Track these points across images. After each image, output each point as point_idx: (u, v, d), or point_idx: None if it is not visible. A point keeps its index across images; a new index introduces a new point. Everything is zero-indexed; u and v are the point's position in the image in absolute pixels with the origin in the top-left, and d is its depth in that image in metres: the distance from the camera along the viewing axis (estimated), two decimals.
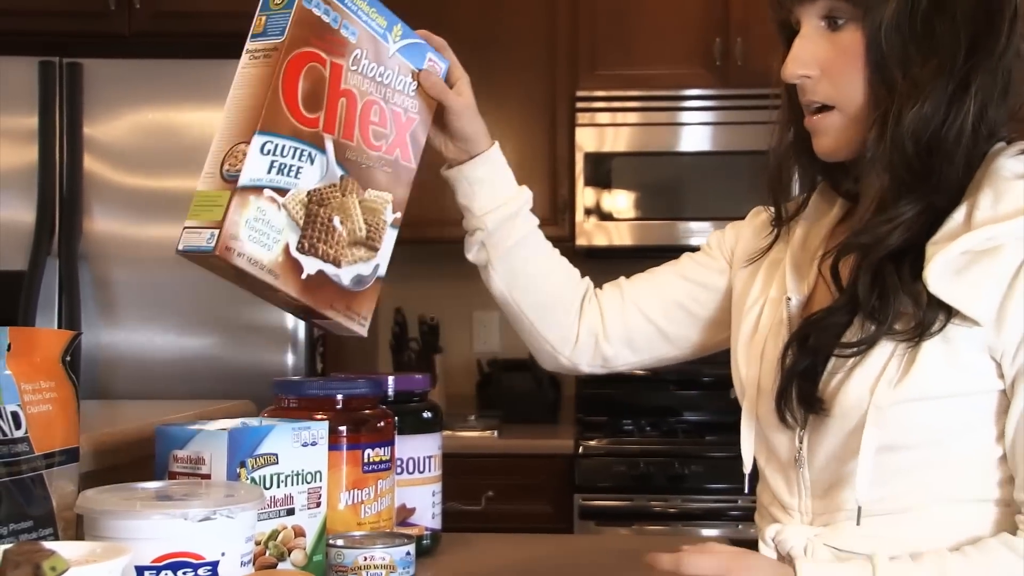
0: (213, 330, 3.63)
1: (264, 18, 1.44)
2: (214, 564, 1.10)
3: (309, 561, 1.44)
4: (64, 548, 0.97)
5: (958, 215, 1.36)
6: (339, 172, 1.46)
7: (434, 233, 4.23)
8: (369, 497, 1.63)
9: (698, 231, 4.03)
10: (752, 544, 1.50)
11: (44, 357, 1.23)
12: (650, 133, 4.14)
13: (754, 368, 1.55)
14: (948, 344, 1.33)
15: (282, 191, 1.39)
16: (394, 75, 1.55)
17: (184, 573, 1.09)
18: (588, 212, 4.11)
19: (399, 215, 1.57)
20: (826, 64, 1.42)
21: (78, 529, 1.18)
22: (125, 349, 3.63)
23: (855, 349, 1.38)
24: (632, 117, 4.14)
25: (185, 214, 1.41)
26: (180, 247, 1.44)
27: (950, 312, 1.33)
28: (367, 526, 1.62)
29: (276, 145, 1.38)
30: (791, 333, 1.48)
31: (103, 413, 2.19)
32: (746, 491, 1.60)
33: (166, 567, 1.09)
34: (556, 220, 4.10)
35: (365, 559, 1.47)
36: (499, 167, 1.72)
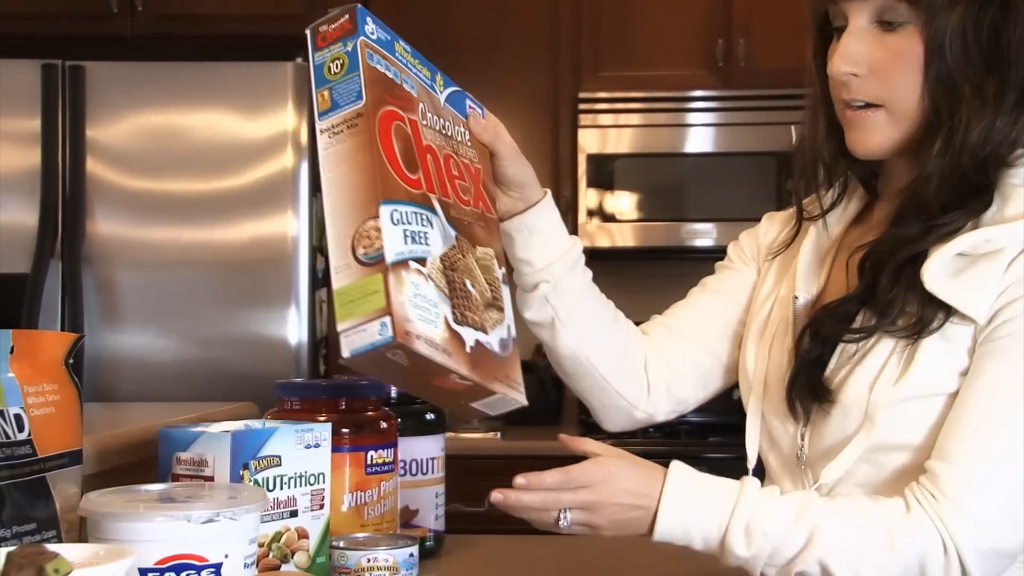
0: (216, 332, 3.63)
1: (327, 92, 1.31)
2: (217, 566, 1.10)
3: (312, 563, 1.44)
4: (67, 550, 0.97)
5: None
6: (452, 232, 1.35)
7: None
8: (372, 499, 1.63)
9: (701, 232, 4.04)
10: None
11: (47, 360, 1.23)
12: (652, 134, 4.14)
13: (761, 364, 1.56)
14: (947, 343, 1.35)
15: (422, 260, 1.27)
16: (451, 125, 1.44)
17: (187, 575, 1.09)
18: (591, 214, 4.11)
19: (504, 270, 1.45)
20: (876, 64, 1.40)
21: (81, 531, 1.18)
22: (128, 352, 3.63)
23: (860, 335, 1.39)
24: (635, 119, 4.14)
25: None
26: (347, 353, 1.24)
27: (949, 311, 1.34)
28: (370, 528, 1.62)
29: (401, 213, 1.26)
30: (804, 324, 1.48)
31: (106, 415, 2.19)
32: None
33: (169, 569, 1.08)
34: None
35: (368, 561, 1.47)
36: (555, 214, 1.60)
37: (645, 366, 1.67)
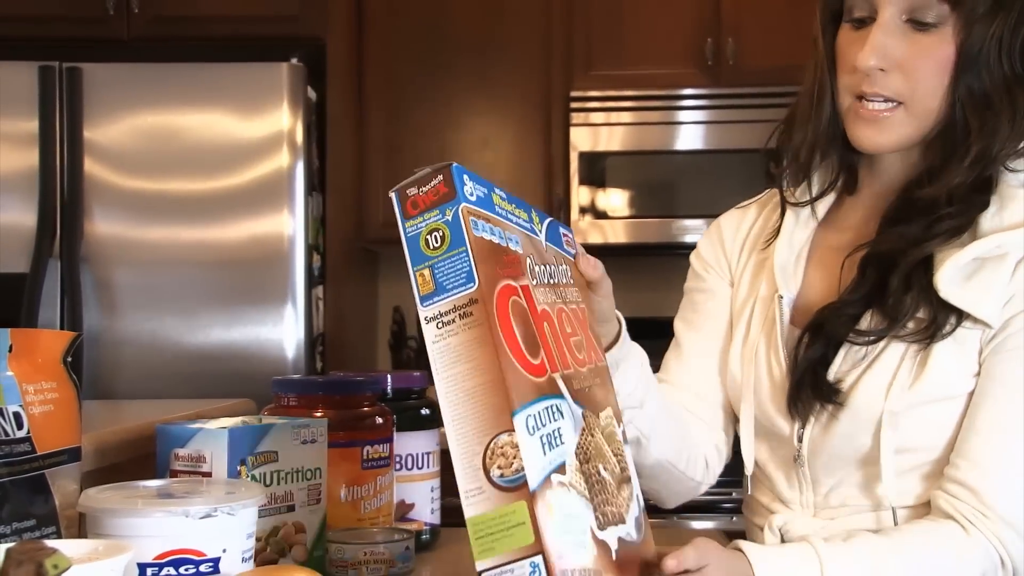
0: (213, 330, 3.63)
1: (428, 271, 1.09)
2: (215, 560, 1.10)
3: (310, 557, 1.44)
4: (66, 546, 0.97)
5: None
6: (579, 411, 1.16)
7: None
8: (368, 493, 1.63)
9: (691, 228, 4.04)
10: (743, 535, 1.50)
11: (46, 358, 1.22)
12: (643, 132, 4.14)
13: (749, 368, 1.53)
14: (960, 346, 1.34)
15: (561, 468, 1.08)
16: (556, 269, 1.26)
17: (186, 570, 1.09)
18: (583, 211, 4.12)
19: (622, 427, 1.28)
20: (904, 61, 1.37)
21: (81, 527, 1.18)
22: (127, 350, 3.63)
23: (869, 338, 1.37)
24: (626, 117, 4.15)
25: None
26: None
27: (960, 315, 1.33)
28: (366, 522, 1.62)
29: (535, 416, 1.07)
30: (806, 323, 1.45)
31: (105, 413, 2.18)
32: (748, 491, 1.58)
33: (168, 564, 1.08)
34: None
35: (365, 554, 1.47)
36: (628, 338, 1.47)
37: (699, 443, 1.62)
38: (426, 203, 1.10)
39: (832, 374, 1.41)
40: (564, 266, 1.29)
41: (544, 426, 1.07)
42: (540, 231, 1.26)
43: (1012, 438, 1.32)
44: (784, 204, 1.57)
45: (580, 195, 4.13)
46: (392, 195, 1.13)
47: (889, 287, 1.37)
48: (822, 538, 1.31)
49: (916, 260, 1.36)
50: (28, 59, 3.65)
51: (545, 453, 1.06)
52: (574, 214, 4.12)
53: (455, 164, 1.10)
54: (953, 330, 1.33)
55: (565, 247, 1.32)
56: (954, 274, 1.34)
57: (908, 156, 1.45)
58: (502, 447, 1.03)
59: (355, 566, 1.46)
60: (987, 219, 1.36)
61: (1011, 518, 1.30)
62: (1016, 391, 1.32)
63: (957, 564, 1.30)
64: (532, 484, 1.02)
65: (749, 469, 1.53)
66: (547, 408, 1.08)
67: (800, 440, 1.45)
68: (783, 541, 1.46)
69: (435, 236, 1.09)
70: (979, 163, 1.36)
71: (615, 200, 4.15)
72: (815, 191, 1.54)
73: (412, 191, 1.11)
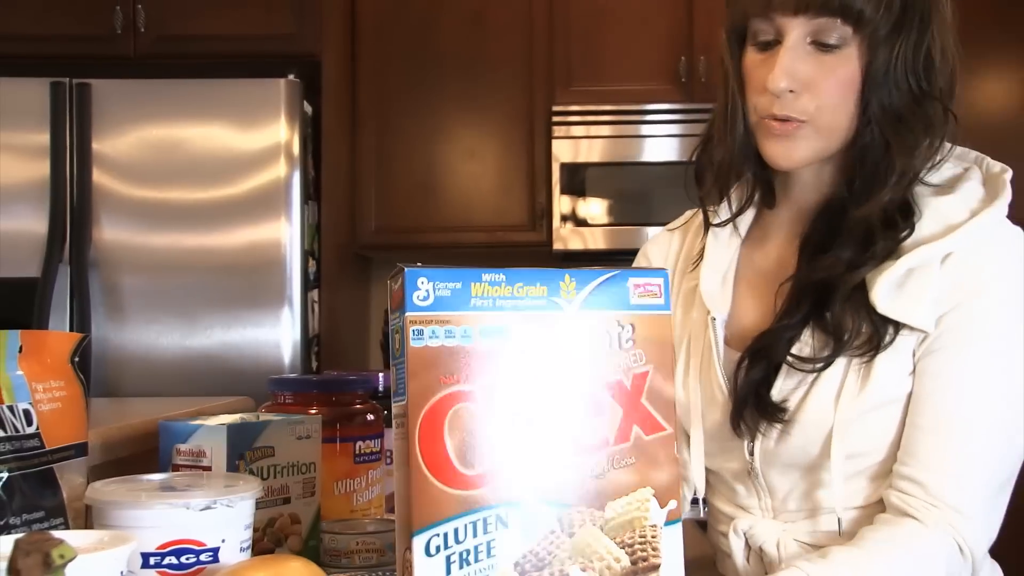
0: (214, 332, 3.63)
1: (395, 369, 1.06)
2: (215, 550, 1.10)
3: (305, 546, 1.44)
4: (73, 537, 0.96)
5: None
6: (551, 513, 1.05)
7: (425, 238, 4.24)
8: (361, 486, 1.62)
9: None
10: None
11: (54, 358, 1.22)
12: (621, 144, 4.15)
13: (695, 394, 1.47)
14: (898, 354, 1.32)
15: None
16: (586, 341, 1.09)
17: (187, 559, 1.08)
18: (564, 218, 4.12)
19: (674, 504, 1.10)
20: (811, 82, 1.33)
21: (87, 519, 1.17)
22: (132, 350, 3.62)
23: (813, 366, 1.34)
24: (605, 130, 4.15)
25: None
26: None
27: (897, 326, 1.31)
28: (359, 513, 1.62)
29: (443, 536, 1.01)
30: (746, 348, 1.41)
31: (111, 410, 2.18)
32: (701, 514, 1.51)
33: (170, 553, 1.08)
34: (534, 226, 4.12)
35: (357, 544, 1.46)
36: None
37: None
38: (395, 302, 1.05)
39: (776, 394, 1.37)
40: (619, 326, 1.11)
41: (459, 543, 1.01)
42: (572, 298, 1.09)
43: (952, 431, 1.30)
44: (707, 225, 1.53)
45: (562, 204, 4.13)
46: (388, 282, 1.08)
47: (829, 310, 1.34)
48: (805, 559, 1.26)
49: (854, 284, 1.33)
50: (40, 75, 3.65)
51: (449, 572, 1.00)
52: (556, 221, 4.12)
53: (410, 269, 1.03)
54: (892, 340, 1.31)
55: (634, 303, 1.12)
56: (888, 289, 1.32)
57: (821, 172, 1.43)
58: (406, 563, 1.02)
59: (348, 555, 1.46)
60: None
61: (959, 505, 1.28)
62: (951, 387, 1.31)
63: (922, 560, 1.28)
64: None
65: (701, 492, 1.46)
66: (472, 523, 1.02)
67: (752, 454, 1.41)
68: (747, 544, 1.44)
69: (396, 339, 1.05)
70: (905, 179, 1.34)
71: (594, 208, 4.15)
72: (735, 208, 1.51)
73: (391, 285, 1.07)
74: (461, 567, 1.01)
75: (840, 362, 1.33)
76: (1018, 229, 1.36)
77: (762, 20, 1.36)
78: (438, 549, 1.00)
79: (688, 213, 1.64)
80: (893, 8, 1.31)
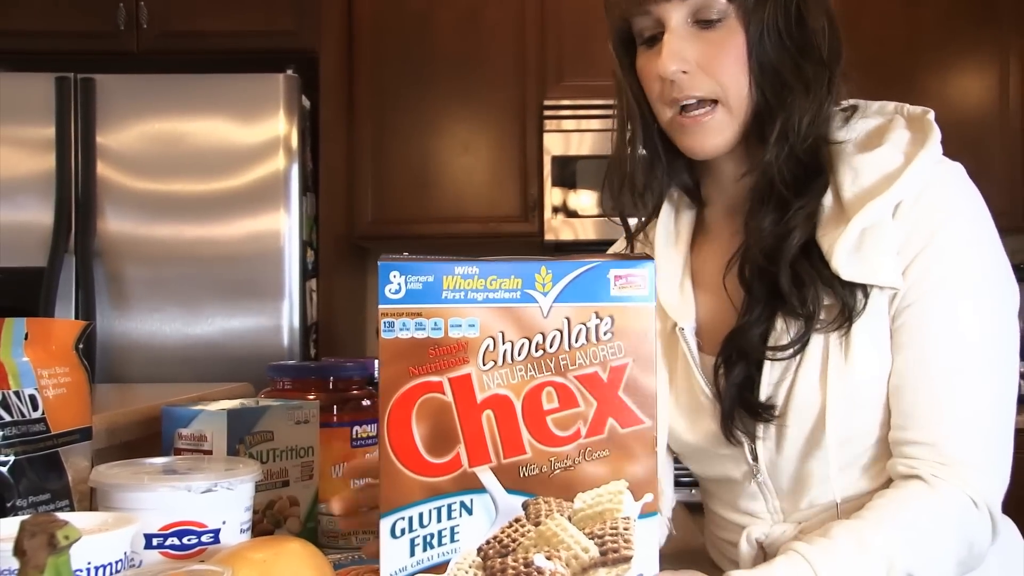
0: (215, 320, 3.62)
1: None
2: (216, 532, 1.10)
3: (303, 528, 1.44)
4: (77, 518, 0.96)
5: (826, 200, 1.30)
6: (517, 501, 1.04)
7: (420, 229, 4.24)
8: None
9: None
10: None
11: (59, 345, 1.22)
12: (611, 138, 4.14)
13: (673, 410, 1.42)
14: (873, 319, 1.27)
15: (439, 568, 1.03)
16: (564, 333, 1.06)
17: (188, 540, 1.08)
18: (556, 210, 4.12)
19: (650, 496, 1.05)
20: (703, 59, 1.31)
21: (92, 501, 1.17)
22: (136, 338, 3.62)
23: (791, 351, 1.29)
24: (595, 124, 4.15)
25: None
26: None
27: (866, 289, 1.26)
28: None
29: (408, 519, 1.02)
30: (719, 352, 1.36)
31: (115, 395, 2.18)
32: (671, 534, 1.47)
33: (172, 534, 1.08)
34: (527, 217, 4.11)
35: None
36: None
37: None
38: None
39: (763, 393, 1.31)
40: (597, 319, 1.06)
41: (423, 527, 1.02)
42: (546, 292, 1.05)
43: (944, 383, 1.24)
44: (629, 239, 1.50)
45: (553, 196, 4.13)
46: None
47: (782, 290, 1.29)
48: (802, 541, 1.19)
49: (791, 254, 1.29)
50: (45, 71, 3.65)
51: (413, 554, 1.02)
52: (547, 213, 4.11)
53: (384, 262, 1.03)
54: (865, 306, 1.26)
55: (615, 294, 1.07)
56: (847, 254, 1.26)
57: (738, 157, 1.39)
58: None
59: (344, 536, 1.46)
60: (848, 190, 1.29)
61: (968, 458, 1.22)
62: (928, 338, 1.25)
63: (932, 519, 1.21)
64: None
65: (668, 508, 1.41)
66: (437, 508, 1.03)
67: (755, 457, 1.36)
68: (762, 550, 1.36)
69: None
70: (785, 138, 1.30)
71: (585, 200, 4.15)
72: (643, 218, 1.48)
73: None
74: (424, 549, 1.02)
75: (820, 343, 1.27)
76: (957, 164, 1.32)
77: (642, 16, 1.35)
78: (403, 531, 1.02)
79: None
80: None
